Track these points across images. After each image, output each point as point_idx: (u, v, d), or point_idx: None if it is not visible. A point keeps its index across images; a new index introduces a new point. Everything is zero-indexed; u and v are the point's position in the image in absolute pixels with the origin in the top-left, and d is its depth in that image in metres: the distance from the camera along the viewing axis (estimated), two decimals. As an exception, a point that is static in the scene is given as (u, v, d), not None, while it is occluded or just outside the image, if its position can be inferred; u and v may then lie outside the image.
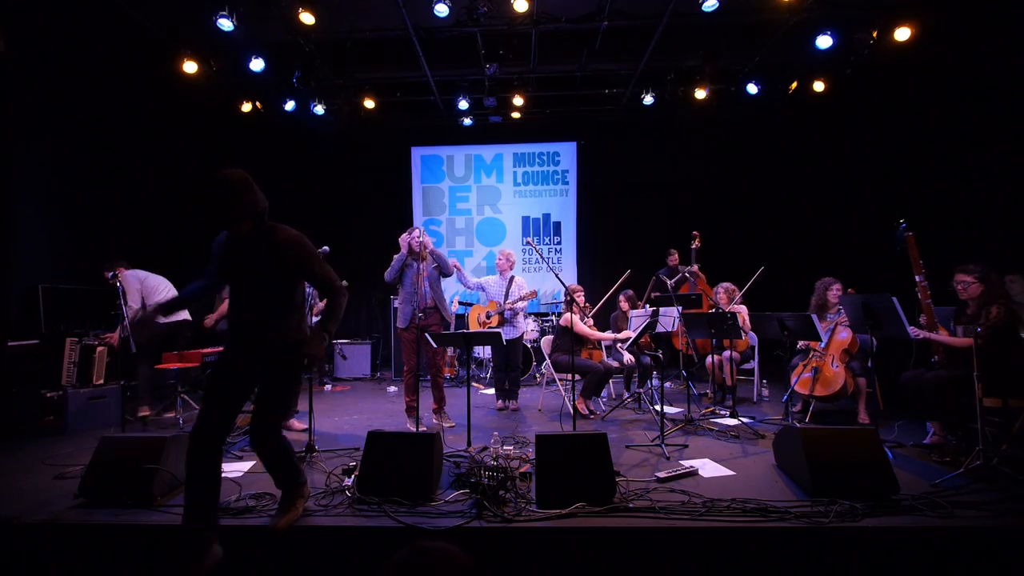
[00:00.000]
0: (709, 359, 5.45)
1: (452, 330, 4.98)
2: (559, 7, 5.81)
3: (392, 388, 6.50)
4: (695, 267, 6.42)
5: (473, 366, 7.42)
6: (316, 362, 2.43)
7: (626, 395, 5.38)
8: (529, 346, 6.77)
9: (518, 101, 7.13)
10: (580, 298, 5.17)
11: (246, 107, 7.18)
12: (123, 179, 6.50)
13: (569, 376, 4.82)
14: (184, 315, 5.19)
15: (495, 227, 8.78)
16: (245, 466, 3.40)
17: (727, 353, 5.09)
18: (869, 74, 6.28)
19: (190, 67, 6.04)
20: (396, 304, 6.71)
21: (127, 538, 2.54)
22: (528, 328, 6.34)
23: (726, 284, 5.65)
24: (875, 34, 5.58)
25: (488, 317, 5.49)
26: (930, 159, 5.81)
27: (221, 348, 3.72)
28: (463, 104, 7.27)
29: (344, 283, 2.55)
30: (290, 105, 7.08)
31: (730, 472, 3.25)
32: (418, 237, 4.46)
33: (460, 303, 6.92)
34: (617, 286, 5.70)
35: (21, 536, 2.56)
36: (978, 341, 3.22)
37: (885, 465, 2.80)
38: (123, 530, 2.56)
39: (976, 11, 5.12)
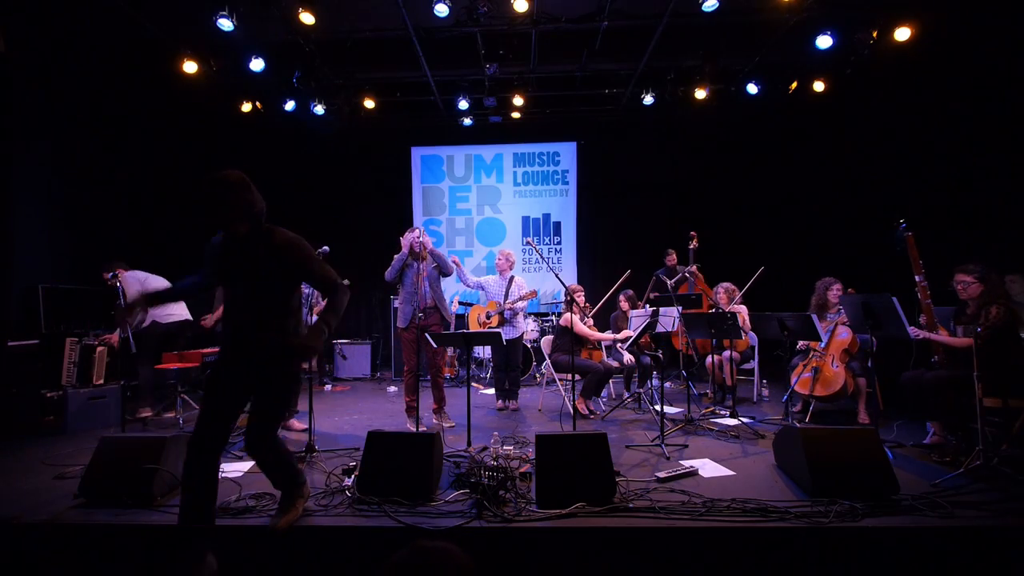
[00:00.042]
0: (709, 359, 5.45)
1: (452, 330, 4.98)
2: (559, 7, 5.81)
3: (392, 388, 6.50)
4: (693, 267, 6.42)
5: (473, 366, 7.42)
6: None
7: (626, 395, 5.38)
8: (529, 346, 6.77)
9: (518, 101, 7.13)
10: (580, 298, 5.17)
11: (246, 107, 7.18)
12: (123, 179, 6.51)
13: (569, 376, 4.82)
14: (184, 315, 5.19)
15: (495, 227, 8.78)
16: (245, 466, 3.40)
17: (727, 353, 5.09)
18: (869, 74, 6.28)
19: (190, 67, 6.04)
20: (396, 304, 6.71)
21: (127, 538, 2.54)
22: (528, 328, 6.35)
23: (726, 284, 5.65)
24: (875, 34, 5.58)
25: (488, 317, 5.50)
26: (930, 159, 5.81)
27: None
28: (463, 104, 7.27)
29: (346, 282, 2.54)
30: (290, 105, 7.08)
31: (730, 472, 3.25)
32: (418, 237, 4.46)
33: (460, 303, 6.92)
34: (617, 286, 5.70)
35: (21, 536, 2.56)
36: (978, 341, 3.22)
37: (885, 465, 2.80)
38: (123, 530, 2.56)
39: (976, 11, 5.12)
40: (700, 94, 6.84)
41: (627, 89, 7.44)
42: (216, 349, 5.04)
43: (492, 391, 5.78)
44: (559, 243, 8.69)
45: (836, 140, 7.34)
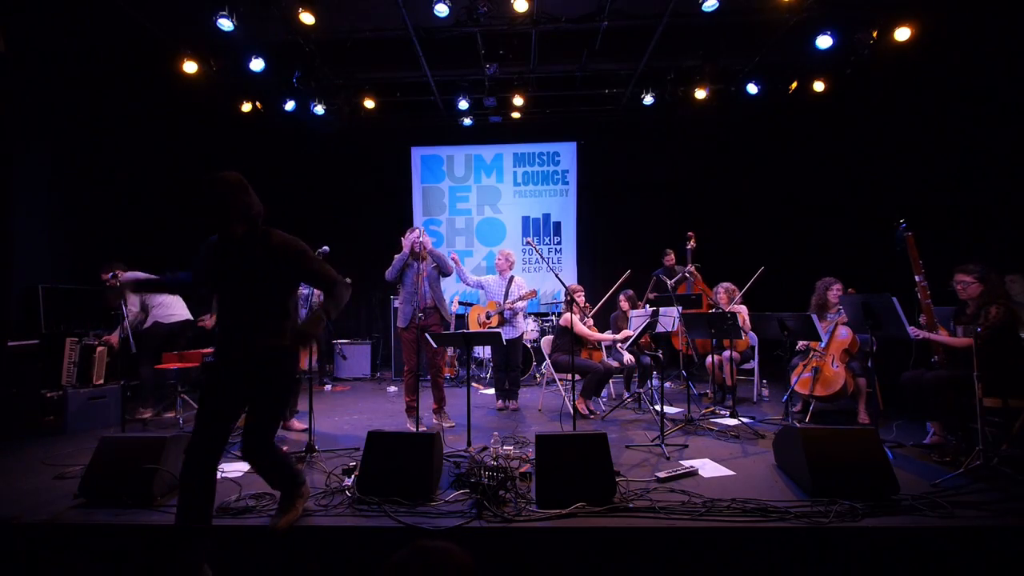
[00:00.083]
0: (709, 359, 5.45)
1: (452, 330, 4.97)
2: (559, 7, 5.82)
3: (392, 388, 6.50)
4: (691, 267, 6.43)
5: (473, 366, 7.41)
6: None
7: (626, 395, 5.38)
8: (529, 346, 6.77)
9: (518, 101, 7.14)
10: (580, 298, 5.17)
11: (246, 107, 7.18)
12: (123, 179, 6.51)
13: (569, 376, 4.82)
14: (185, 315, 5.19)
15: (495, 227, 8.78)
16: (245, 466, 3.38)
17: (727, 353, 5.09)
18: (869, 74, 6.28)
19: (190, 67, 6.04)
20: (396, 304, 6.71)
21: (127, 538, 2.54)
22: (528, 328, 6.35)
23: (726, 284, 5.65)
24: (875, 34, 5.59)
25: (488, 317, 5.50)
26: (930, 159, 5.81)
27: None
28: (463, 104, 7.27)
29: (348, 280, 2.53)
30: (290, 105, 7.08)
31: (730, 472, 3.25)
32: (418, 237, 4.46)
33: (460, 303, 6.93)
34: (617, 286, 5.70)
35: (21, 536, 2.56)
36: (978, 341, 3.22)
37: (885, 465, 2.80)
38: (123, 530, 2.56)
39: (976, 11, 5.12)
40: (700, 94, 6.84)
41: (627, 89, 7.44)
42: (216, 349, 5.04)
43: (492, 391, 5.78)
44: (559, 243, 8.69)
45: (836, 140, 7.34)
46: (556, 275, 4.44)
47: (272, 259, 2.31)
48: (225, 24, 5.25)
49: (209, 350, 5.11)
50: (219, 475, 3.05)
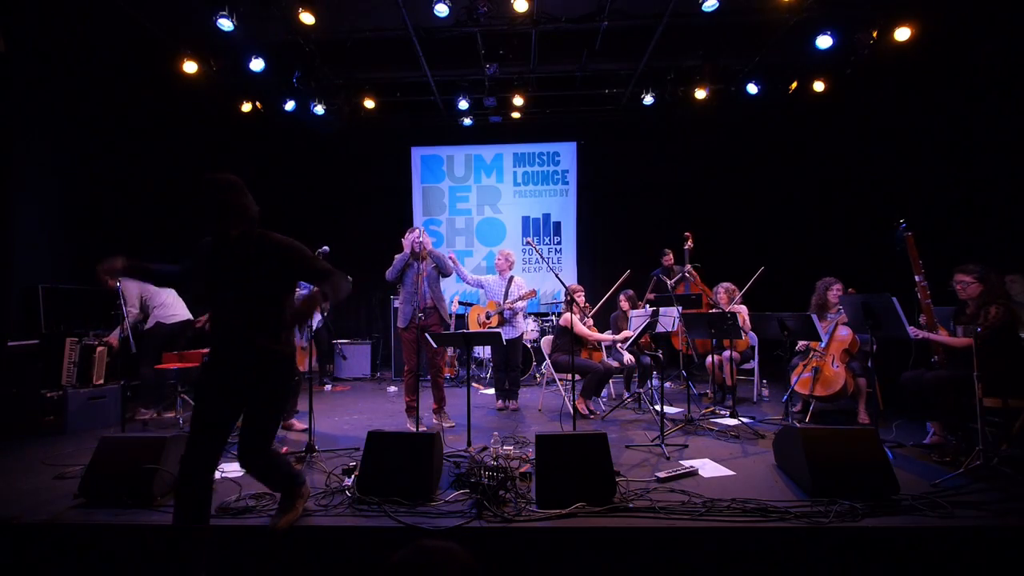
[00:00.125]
0: (709, 359, 5.45)
1: (452, 330, 4.98)
2: (559, 7, 5.81)
3: (392, 388, 6.50)
4: (688, 267, 6.44)
5: (473, 366, 7.41)
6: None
7: (626, 395, 5.38)
8: (529, 346, 6.76)
9: (518, 101, 7.14)
10: (580, 298, 5.17)
11: (246, 107, 7.19)
12: (123, 179, 6.50)
13: (569, 376, 4.82)
14: (186, 315, 5.19)
15: (495, 227, 8.78)
16: (245, 466, 3.39)
17: (727, 353, 5.09)
18: (869, 74, 6.28)
19: (190, 67, 6.04)
20: (396, 304, 6.71)
21: (127, 538, 2.54)
22: (528, 328, 6.35)
23: (726, 284, 5.65)
24: (875, 34, 5.58)
25: (488, 317, 5.50)
26: (930, 159, 5.82)
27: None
28: (463, 104, 7.27)
29: (348, 278, 2.52)
30: (290, 105, 7.08)
31: (730, 472, 3.25)
32: (418, 237, 4.46)
33: (460, 303, 6.93)
34: (617, 286, 5.70)
35: (21, 536, 2.56)
36: (978, 341, 3.22)
37: (885, 465, 2.80)
38: (123, 530, 2.55)
39: (976, 11, 5.13)
40: (700, 94, 6.84)
41: (627, 89, 7.44)
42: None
43: (492, 391, 5.78)
44: (559, 243, 8.69)
45: (836, 140, 7.34)
46: (556, 275, 4.44)
47: (268, 260, 2.28)
48: (225, 24, 5.25)
49: (208, 350, 5.11)
50: (219, 475, 3.08)
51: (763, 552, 2.42)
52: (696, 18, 5.67)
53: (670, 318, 4.94)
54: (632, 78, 7.17)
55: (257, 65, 6.08)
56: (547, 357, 5.28)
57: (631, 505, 2.67)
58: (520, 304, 5.29)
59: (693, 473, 3.21)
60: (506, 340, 4.82)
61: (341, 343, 7.48)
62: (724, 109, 7.56)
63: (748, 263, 5.60)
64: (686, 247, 6.43)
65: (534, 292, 5.39)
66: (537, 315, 7.52)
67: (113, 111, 6.34)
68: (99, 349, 4.92)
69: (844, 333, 4.47)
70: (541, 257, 6.83)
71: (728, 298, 5.54)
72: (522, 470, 3.05)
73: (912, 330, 3.52)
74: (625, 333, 5.15)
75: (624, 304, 5.57)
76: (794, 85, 6.78)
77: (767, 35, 6.09)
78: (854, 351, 4.47)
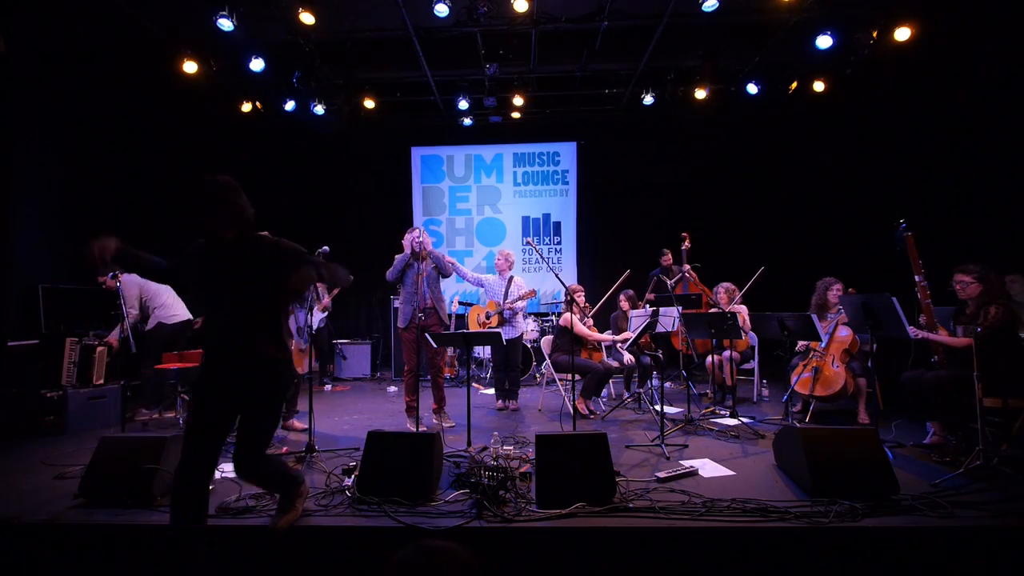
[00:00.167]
0: (709, 359, 5.45)
1: (452, 330, 4.98)
2: (559, 7, 5.82)
3: (392, 388, 6.50)
4: (687, 267, 6.44)
5: (473, 366, 7.41)
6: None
7: (626, 395, 5.38)
8: (529, 346, 6.76)
9: (518, 101, 7.14)
10: (580, 298, 5.17)
11: (246, 107, 7.18)
12: (123, 179, 6.51)
13: (569, 376, 4.82)
14: (186, 315, 5.19)
15: (495, 227, 8.78)
16: (245, 466, 3.39)
17: (727, 353, 5.09)
18: (869, 74, 6.28)
19: (190, 67, 6.04)
20: (396, 304, 6.71)
21: (127, 538, 2.54)
22: (528, 328, 6.35)
23: (726, 284, 5.65)
24: (875, 34, 5.59)
25: (488, 317, 5.50)
26: (930, 159, 5.81)
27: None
28: (463, 104, 7.27)
29: (350, 276, 2.51)
30: (290, 105, 7.08)
31: (730, 472, 3.25)
32: (418, 237, 4.46)
33: (460, 303, 6.93)
34: (617, 286, 5.71)
35: (21, 536, 2.56)
36: (977, 341, 3.22)
37: (885, 465, 2.80)
38: (123, 530, 2.56)
39: (976, 11, 5.12)
40: (700, 94, 6.84)
41: (627, 89, 7.44)
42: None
43: (492, 391, 5.78)
44: (559, 243, 8.69)
45: (836, 140, 7.34)
46: (556, 275, 4.44)
47: (265, 263, 2.25)
48: (225, 24, 5.25)
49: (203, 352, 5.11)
50: (219, 475, 3.08)
51: (763, 552, 2.42)
52: (696, 18, 5.67)
53: (670, 318, 4.94)
54: (632, 78, 7.17)
55: (257, 65, 6.08)
56: (547, 357, 5.28)
57: (631, 505, 2.67)
58: (520, 304, 5.29)
59: (693, 473, 3.21)
60: (506, 340, 4.82)
61: (341, 343, 7.48)
62: (724, 109, 7.56)
63: (748, 263, 5.60)
64: (684, 247, 6.43)
65: (534, 292, 5.39)
66: (537, 315, 7.52)
67: (113, 111, 6.34)
68: (99, 349, 4.93)
69: (844, 333, 4.47)
70: (541, 257, 6.83)
71: (728, 298, 5.54)
72: (522, 470, 3.05)
73: (912, 330, 3.52)
74: (625, 334, 5.15)
75: (624, 304, 5.56)
76: (794, 85, 6.78)
77: (767, 35, 6.09)
78: (854, 351, 4.47)
